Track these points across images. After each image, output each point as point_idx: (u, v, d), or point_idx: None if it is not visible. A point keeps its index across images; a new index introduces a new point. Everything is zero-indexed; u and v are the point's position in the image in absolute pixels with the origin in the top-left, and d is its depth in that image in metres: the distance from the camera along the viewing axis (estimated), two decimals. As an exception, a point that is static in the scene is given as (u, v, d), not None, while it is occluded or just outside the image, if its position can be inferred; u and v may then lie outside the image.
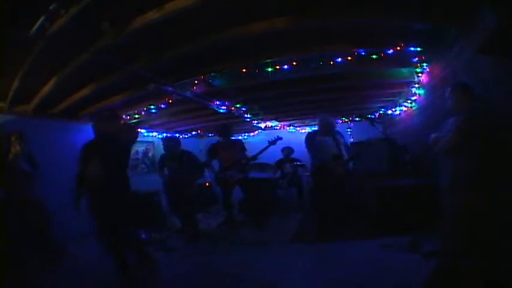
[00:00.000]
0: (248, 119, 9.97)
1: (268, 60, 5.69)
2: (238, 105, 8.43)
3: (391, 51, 5.27)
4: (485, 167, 3.52)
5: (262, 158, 8.36)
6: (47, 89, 6.12)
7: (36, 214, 5.54)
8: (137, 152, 10.79)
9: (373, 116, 10.66)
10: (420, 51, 5.45)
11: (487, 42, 3.66)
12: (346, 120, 11.87)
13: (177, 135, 11.86)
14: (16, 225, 5.31)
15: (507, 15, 3.39)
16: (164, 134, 11.64)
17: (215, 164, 8.34)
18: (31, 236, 5.53)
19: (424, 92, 6.66)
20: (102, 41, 4.57)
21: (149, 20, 4.11)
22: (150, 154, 11.30)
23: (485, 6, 3.76)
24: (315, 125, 12.12)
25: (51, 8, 3.65)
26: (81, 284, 4.74)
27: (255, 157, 8.09)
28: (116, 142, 4.64)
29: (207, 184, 11.27)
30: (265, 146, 8.26)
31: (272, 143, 8.29)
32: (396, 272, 4.21)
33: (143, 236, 7.04)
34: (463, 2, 4.01)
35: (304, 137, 7.37)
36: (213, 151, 8.29)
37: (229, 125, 8.76)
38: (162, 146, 8.15)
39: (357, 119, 11.54)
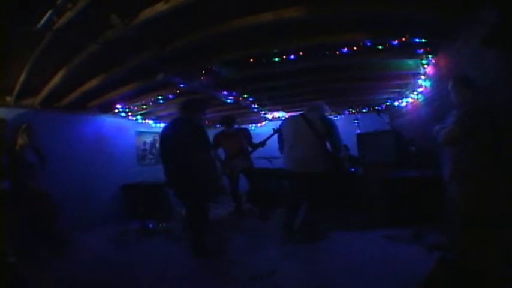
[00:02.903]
0: (255, 110, 9.99)
1: (275, 51, 5.69)
2: (245, 96, 8.46)
3: (396, 42, 5.28)
4: (485, 158, 3.56)
5: (269, 148, 8.37)
6: (54, 81, 6.16)
7: (42, 205, 5.62)
8: (145, 143, 10.87)
9: (379, 108, 10.66)
10: (426, 42, 5.45)
11: (490, 35, 3.67)
12: (353, 111, 11.86)
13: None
14: (22, 216, 5.37)
15: (510, 8, 3.40)
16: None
17: (221, 153, 8.43)
18: (37, 227, 5.60)
19: (430, 84, 6.66)
20: (110, 33, 4.60)
21: (157, 11, 4.12)
22: (157, 145, 11.36)
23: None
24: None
25: (58, 2, 3.69)
26: (86, 274, 4.80)
27: (261, 144, 8.09)
28: None
29: (214, 174, 11.35)
30: (270, 134, 8.24)
31: (277, 130, 8.26)
32: (399, 263, 4.27)
33: (150, 225, 7.14)
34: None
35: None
36: (215, 140, 8.34)
37: (231, 114, 8.78)
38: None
39: (364, 110, 11.55)
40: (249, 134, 8.33)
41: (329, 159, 5.74)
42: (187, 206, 5.59)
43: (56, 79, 6.03)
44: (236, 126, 8.64)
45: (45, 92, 6.64)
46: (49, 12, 3.77)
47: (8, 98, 6.76)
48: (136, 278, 4.53)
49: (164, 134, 5.52)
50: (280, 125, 6.59)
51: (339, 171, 6.16)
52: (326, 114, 6.22)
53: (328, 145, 5.82)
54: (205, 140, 5.29)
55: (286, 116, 10.36)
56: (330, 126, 5.76)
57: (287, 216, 6.00)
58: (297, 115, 6.13)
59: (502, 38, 3.54)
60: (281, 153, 6.23)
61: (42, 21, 3.86)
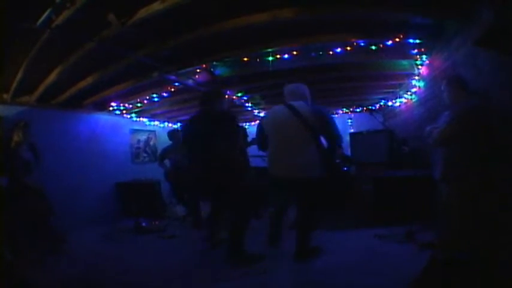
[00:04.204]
0: (249, 108, 10.00)
1: (269, 50, 5.73)
2: (239, 95, 8.50)
3: (390, 42, 5.32)
4: (478, 157, 3.60)
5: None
6: (51, 78, 6.21)
7: (37, 202, 5.63)
8: (139, 141, 10.89)
9: (373, 107, 10.71)
10: (420, 43, 5.50)
11: (485, 35, 3.70)
12: (346, 110, 11.92)
13: (179, 124, 11.95)
14: (17, 213, 5.37)
15: (504, 9, 3.44)
16: (166, 124, 11.75)
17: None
18: (31, 224, 5.61)
19: (424, 84, 6.72)
20: (107, 31, 4.64)
21: (153, 10, 4.16)
22: (151, 143, 11.38)
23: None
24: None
25: (57, 0, 3.72)
26: (81, 272, 4.80)
27: (252, 143, 8.10)
28: None
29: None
30: None
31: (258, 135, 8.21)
32: (390, 262, 4.26)
33: (144, 224, 7.16)
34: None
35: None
36: None
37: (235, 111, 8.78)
38: (164, 135, 8.35)
39: (358, 109, 11.59)
40: (245, 132, 8.30)
41: (324, 160, 4.49)
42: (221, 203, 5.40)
43: (52, 76, 6.07)
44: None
45: (41, 89, 6.67)
46: (48, 10, 3.80)
47: (5, 96, 6.78)
48: (129, 277, 4.54)
49: (189, 129, 5.23)
50: (262, 118, 5.40)
51: (336, 174, 5.21)
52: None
53: (323, 142, 4.55)
54: (233, 129, 4.93)
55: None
56: (327, 119, 4.54)
57: (272, 228, 5.14)
58: (282, 106, 4.74)
59: (496, 39, 3.57)
60: (261, 150, 5.18)
61: (41, 20, 3.89)
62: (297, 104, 4.59)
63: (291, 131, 4.45)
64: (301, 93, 4.84)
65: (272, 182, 4.89)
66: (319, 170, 4.43)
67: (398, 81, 7.85)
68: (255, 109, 10.30)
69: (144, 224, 7.17)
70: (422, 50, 5.77)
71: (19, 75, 5.88)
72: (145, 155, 11.11)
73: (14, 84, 6.25)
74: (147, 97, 8.09)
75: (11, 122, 5.84)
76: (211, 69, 6.60)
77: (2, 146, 5.59)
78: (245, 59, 6.10)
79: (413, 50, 5.74)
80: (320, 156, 4.44)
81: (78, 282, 4.47)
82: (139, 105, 8.84)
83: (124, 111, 9.44)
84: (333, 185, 5.09)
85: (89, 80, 6.48)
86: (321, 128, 4.43)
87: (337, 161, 5.64)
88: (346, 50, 5.67)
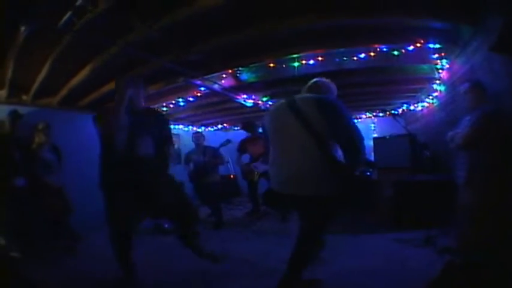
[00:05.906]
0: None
1: (295, 56, 5.84)
2: (264, 99, 8.57)
3: (411, 47, 5.38)
4: (500, 162, 3.63)
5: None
6: (74, 81, 6.34)
7: (56, 201, 5.80)
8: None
9: (396, 112, 10.69)
10: (439, 48, 5.54)
11: (498, 41, 3.73)
12: (369, 115, 11.95)
13: (203, 128, 12.12)
14: (36, 212, 5.50)
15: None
16: (190, 127, 11.91)
17: (246, 158, 8.71)
18: (49, 223, 5.74)
19: (445, 89, 6.74)
20: (132, 35, 4.75)
21: (180, 15, 4.25)
22: (175, 146, 11.51)
23: (492, 5, 3.88)
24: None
25: (77, 3, 3.75)
26: (96, 272, 4.81)
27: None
28: None
29: (232, 176, 11.56)
30: None
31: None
32: (408, 266, 4.30)
33: (165, 225, 7.20)
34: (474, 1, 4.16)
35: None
36: (241, 146, 8.70)
37: (252, 121, 8.99)
38: (188, 139, 8.49)
39: (380, 114, 11.63)
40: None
41: (338, 173, 3.17)
42: None
43: (77, 79, 6.24)
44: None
45: (65, 91, 6.85)
46: (69, 13, 3.87)
47: (25, 97, 7.01)
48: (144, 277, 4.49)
49: None
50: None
51: (355, 192, 3.34)
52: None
53: (337, 150, 3.30)
54: None
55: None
56: (336, 116, 3.22)
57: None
58: (282, 102, 3.64)
59: (508, 44, 3.60)
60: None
61: (62, 22, 3.97)
62: (300, 97, 3.54)
63: (289, 137, 3.38)
64: (319, 87, 3.73)
65: (270, 198, 4.09)
66: (328, 187, 3.18)
67: (419, 86, 7.89)
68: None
69: (166, 226, 7.20)
70: (443, 54, 5.79)
71: (41, 77, 6.01)
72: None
73: (35, 86, 6.42)
74: (173, 101, 8.26)
75: (31, 124, 5.95)
76: (237, 75, 6.73)
77: (21, 146, 5.71)
78: (271, 64, 6.21)
79: (434, 54, 5.79)
80: (329, 168, 3.17)
81: (88, 281, 4.56)
82: (164, 109, 8.97)
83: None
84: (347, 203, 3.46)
85: (113, 85, 6.61)
86: (330, 130, 3.20)
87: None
88: (370, 55, 5.76)
